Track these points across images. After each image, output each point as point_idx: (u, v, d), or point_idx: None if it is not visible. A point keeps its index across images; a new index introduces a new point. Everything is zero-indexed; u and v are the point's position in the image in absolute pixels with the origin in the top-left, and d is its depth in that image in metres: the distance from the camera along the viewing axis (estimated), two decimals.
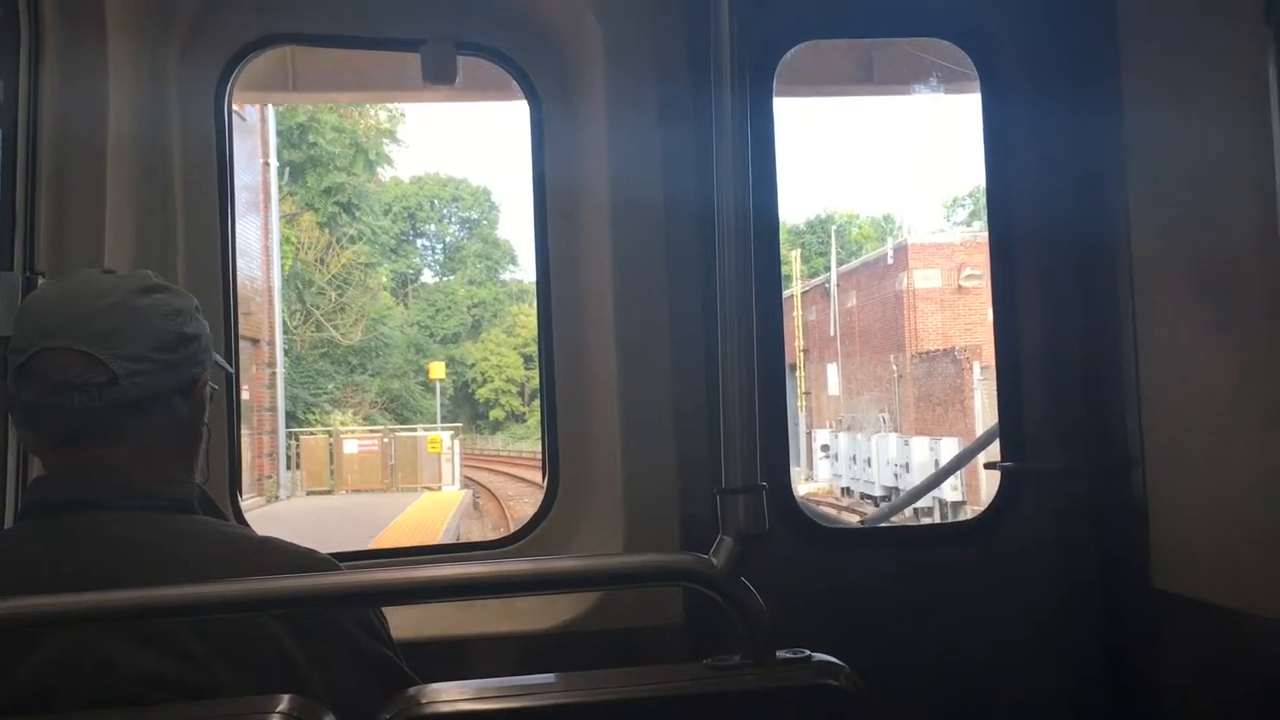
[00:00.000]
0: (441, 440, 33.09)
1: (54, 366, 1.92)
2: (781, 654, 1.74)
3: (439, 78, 3.62)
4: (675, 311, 3.41)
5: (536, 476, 24.90)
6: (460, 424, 49.16)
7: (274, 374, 28.47)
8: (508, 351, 66.65)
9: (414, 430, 37.59)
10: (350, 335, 49.68)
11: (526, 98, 3.68)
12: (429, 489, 30.70)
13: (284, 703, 1.68)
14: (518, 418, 66.31)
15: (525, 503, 25.76)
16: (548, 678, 1.79)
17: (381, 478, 32.60)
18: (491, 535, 22.73)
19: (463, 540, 21.60)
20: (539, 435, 3.89)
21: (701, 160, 3.33)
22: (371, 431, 38.25)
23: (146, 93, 3.29)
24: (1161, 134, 3.22)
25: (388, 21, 3.63)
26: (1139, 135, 3.29)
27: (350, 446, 33.67)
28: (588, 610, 3.26)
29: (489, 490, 29.65)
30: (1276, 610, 2.77)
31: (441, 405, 52.65)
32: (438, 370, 49.56)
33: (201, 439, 2.14)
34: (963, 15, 3.72)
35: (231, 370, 3.29)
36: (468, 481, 33.60)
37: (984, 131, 3.74)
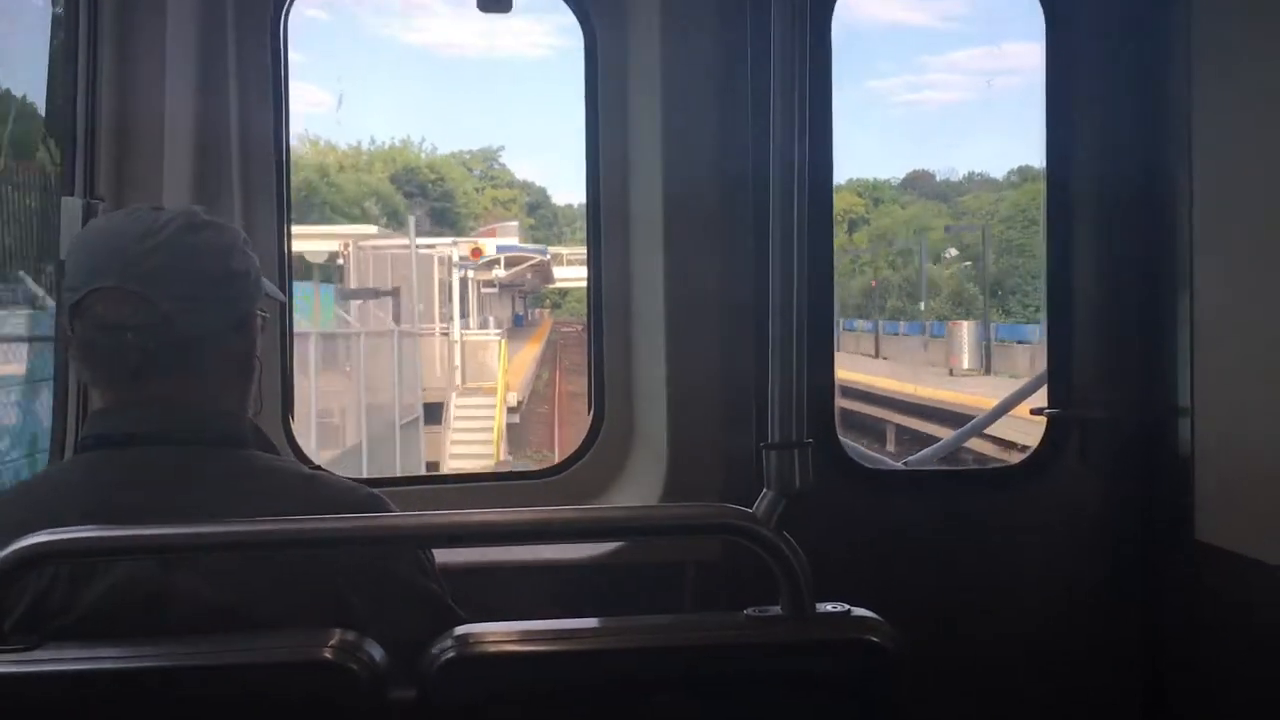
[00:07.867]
0: None
1: (107, 307, 1.96)
2: (821, 607, 1.76)
3: (494, 4, 3.57)
4: (726, 252, 3.38)
5: None
6: None
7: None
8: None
9: None
10: None
11: (580, 23, 3.62)
12: None
13: (334, 637, 1.73)
14: None
15: None
16: (589, 621, 1.82)
17: None
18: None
19: None
20: None
21: (757, 90, 3.28)
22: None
23: (204, 18, 3.29)
24: (1232, 74, 3.12)
25: None
26: (1207, 75, 3.19)
27: None
28: (628, 544, 3.29)
29: None
30: None
31: None
32: None
33: (254, 372, 2.18)
34: None
35: (284, 299, 3.29)
36: None
37: (1047, 70, 3.64)
